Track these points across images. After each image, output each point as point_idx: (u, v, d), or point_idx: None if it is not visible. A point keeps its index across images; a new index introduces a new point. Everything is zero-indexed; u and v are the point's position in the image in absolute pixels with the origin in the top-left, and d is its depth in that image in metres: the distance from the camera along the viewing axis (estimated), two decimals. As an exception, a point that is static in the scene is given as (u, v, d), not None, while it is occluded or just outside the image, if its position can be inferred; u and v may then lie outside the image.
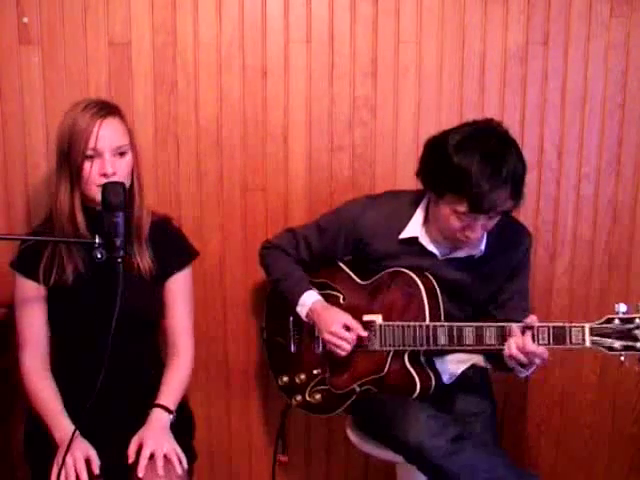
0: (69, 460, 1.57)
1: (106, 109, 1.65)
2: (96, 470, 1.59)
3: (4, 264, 1.82)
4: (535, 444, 2.41)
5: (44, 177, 2.09)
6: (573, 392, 2.37)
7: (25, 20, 2.00)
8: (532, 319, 1.66)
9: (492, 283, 1.86)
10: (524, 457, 2.41)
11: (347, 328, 1.83)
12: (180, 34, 2.07)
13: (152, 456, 1.60)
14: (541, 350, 1.64)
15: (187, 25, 2.06)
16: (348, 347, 1.83)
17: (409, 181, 1.88)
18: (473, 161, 1.61)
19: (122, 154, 1.65)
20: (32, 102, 2.05)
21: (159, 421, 1.69)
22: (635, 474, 2.41)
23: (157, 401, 1.73)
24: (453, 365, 1.93)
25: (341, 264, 1.97)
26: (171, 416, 1.72)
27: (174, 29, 2.06)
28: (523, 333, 1.66)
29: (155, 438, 1.63)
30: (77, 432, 1.58)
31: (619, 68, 2.16)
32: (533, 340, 1.64)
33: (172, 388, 1.77)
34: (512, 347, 1.65)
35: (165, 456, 1.61)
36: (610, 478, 2.42)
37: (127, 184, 1.67)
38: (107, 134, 1.62)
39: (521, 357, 1.65)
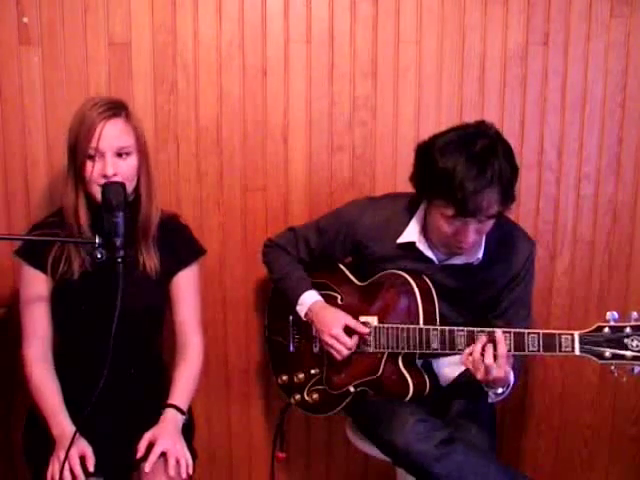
0: (63, 457, 1.56)
1: (113, 109, 1.63)
2: (91, 468, 1.57)
3: (4, 264, 1.81)
4: (534, 444, 2.41)
5: (44, 176, 2.09)
6: (573, 392, 2.37)
7: (25, 20, 2.00)
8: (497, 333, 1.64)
9: (490, 290, 1.83)
10: (523, 457, 2.41)
11: (347, 328, 1.83)
12: (180, 34, 2.07)
13: (162, 455, 1.60)
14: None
15: (187, 25, 2.06)
16: (346, 352, 1.82)
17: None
18: (457, 163, 1.58)
19: (126, 155, 1.64)
20: (32, 102, 2.05)
21: (173, 422, 1.68)
22: (635, 474, 2.41)
23: (170, 401, 1.72)
24: (451, 367, 1.92)
25: (340, 265, 1.97)
26: (184, 417, 1.71)
27: (174, 29, 2.06)
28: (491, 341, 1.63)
29: (169, 438, 1.63)
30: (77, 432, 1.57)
31: (619, 68, 2.16)
32: (523, 348, 1.61)
33: (183, 388, 1.76)
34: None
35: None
36: (610, 478, 2.43)
37: (132, 184, 1.67)
38: (110, 135, 1.61)
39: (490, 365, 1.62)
